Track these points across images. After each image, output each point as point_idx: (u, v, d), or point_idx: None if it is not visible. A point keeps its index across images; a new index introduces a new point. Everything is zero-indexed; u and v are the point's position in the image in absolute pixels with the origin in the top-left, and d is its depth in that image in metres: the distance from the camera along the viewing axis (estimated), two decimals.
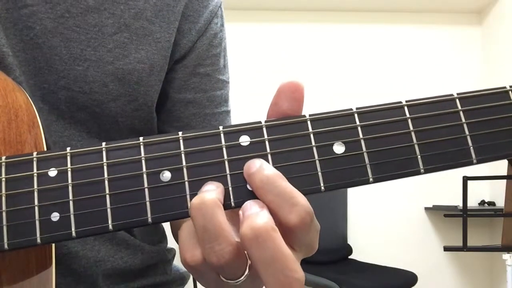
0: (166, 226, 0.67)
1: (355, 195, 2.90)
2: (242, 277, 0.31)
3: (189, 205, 0.33)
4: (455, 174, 2.11)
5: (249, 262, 0.31)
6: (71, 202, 0.33)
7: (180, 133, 0.34)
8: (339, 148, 0.34)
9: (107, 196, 0.33)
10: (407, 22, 3.11)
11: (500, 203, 2.46)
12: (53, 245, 0.38)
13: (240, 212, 0.31)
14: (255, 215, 0.30)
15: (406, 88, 2.97)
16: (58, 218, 0.33)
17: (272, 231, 0.29)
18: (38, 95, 0.52)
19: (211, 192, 0.31)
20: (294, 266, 0.29)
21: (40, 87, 0.52)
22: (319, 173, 0.33)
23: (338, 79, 3.04)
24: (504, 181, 1.65)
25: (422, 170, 0.34)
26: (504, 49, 2.87)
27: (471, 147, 0.34)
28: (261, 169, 0.31)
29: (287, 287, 0.29)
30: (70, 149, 0.34)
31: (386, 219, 2.97)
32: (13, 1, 0.51)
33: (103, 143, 0.35)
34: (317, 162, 0.33)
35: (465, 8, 3.07)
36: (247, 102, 2.58)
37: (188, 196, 0.33)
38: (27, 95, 0.43)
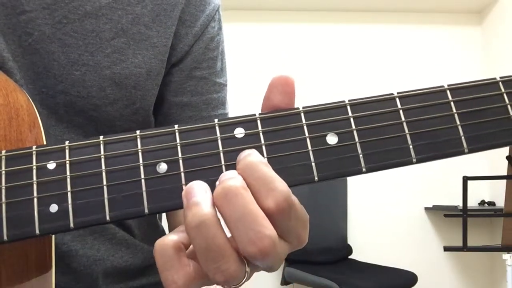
0: (166, 226, 0.68)
1: (355, 195, 2.90)
2: (244, 279, 0.32)
3: None
4: (455, 174, 2.11)
5: (247, 270, 0.32)
6: (69, 194, 0.34)
7: (176, 126, 0.35)
8: (332, 139, 0.34)
9: (105, 188, 0.34)
10: (407, 22, 3.12)
11: (500, 203, 2.46)
12: (53, 243, 0.39)
13: (217, 182, 0.32)
14: (229, 178, 0.31)
15: (405, 88, 2.96)
16: (56, 209, 0.33)
17: (242, 189, 0.30)
18: (37, 100, 0.52)
19: (205, 205, 0.31)
20: (263, 222, 0.30)
21: (39, 91, 0.53)
22: (313, 164, 0.34)
23: (337, 79, 3.05)
24: (504, 181, 1.66)
25: (414, 160, 0.34)
26: (504, 49, 2.87)
27: (463, 137, 0.35)
28: (247, 155, 0.32)
29: (258, 243, 0.30)
30: (69, 143, 0.35)
31: (386, 219, 2.97)
32: (12, 7, 0.51)
33: (101, 136, 0.35)
34: (311, 152, 0.34)
35: (465, 8, 3.08)
36: (247, 102, 2.58)
37: (184, 187, 0.33)
38: (28, 97, 0.43)
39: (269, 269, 0.33)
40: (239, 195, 0.30)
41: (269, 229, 0.30)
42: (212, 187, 0.33)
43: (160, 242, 0.32)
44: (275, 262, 0.32)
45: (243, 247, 0.30)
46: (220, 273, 0.30)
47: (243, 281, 0.32)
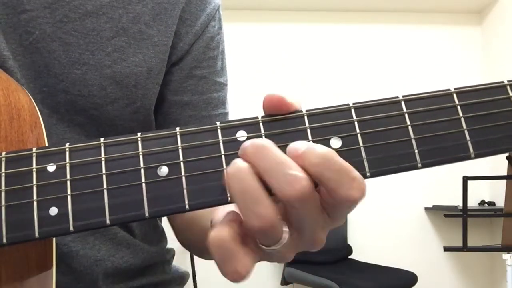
0: (166, 226, 0.67)
1: None
2: (282, 240, 0.32)
3: (186, 199, 0.33)
4: (455, 174, 2.11)
5: (286, 232, 0.32)
6: (69, 197, 0.33)
7: (177, 128, 0.35)
8: (336, 143, 0.34)
9: (105, 191, 0.33)
10: (407, 22, 3.12)
11: (500, 203, 2.46)
12: (54, 243, 0.38)
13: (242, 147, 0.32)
14: (255, 139, 0.32)
15: (406, 88, 2.96)
16: (56, 212, 0.33)
17: (269, 143, 0.32)
18: (38, 99, 0.52)
19: (242, 161, 0.32)
20: (295, 168, 0.31)
21: (40, 90, 0.53)
22: None
23: (337, 79, 3.05)
24: (504, 181, 1.66)
25: (419, 165, 0.34)
26: (504, 49, 2.87)
27: (469, 142, 0.34)
28: (313, 147, 0.32)
29: (296, 184, 0.30)
30: (69, 145, 0.35)
31: (386, 219, 2.98)
32: (13, 6, 0.51)
33: (102, 139, 0.35)
34: None
35: (465, 8, 3.08)
36: (247, 102, 2.58)
37: (185, 191, 0.33)
38: (30, 97, 0.43)
39: (312, 243, 0.34)
40: (271, 150, 0.31)
41: (299, 172, 0.31)
42: (214, 190, 0.33)
43: (217, 235, 0.32)
44: (315, 224, 0.32)
45: (281, 190, 0.31)
46: (257, 218, 0.30)
47: (281, 243, 0.32)
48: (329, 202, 0.32)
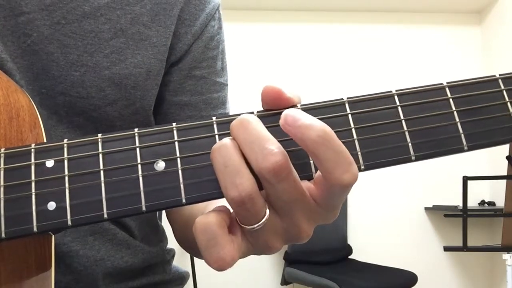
0: (166, 226, 0.68)
1: (355, 195, 2.90)
2: (263, 220, 0.33)
3: (182, 193, 0.33)
4: (455, 174, 2.11)
5: (267, 211, 0.33)
6: (67, 192, 0.34)
7: (174, 124, 0.35)
8: None
9: (102, 185, 0.34)
10: (407, 22, 3.12)
11: (500, 203, 2.46)
12: (53, 243, 0.39)
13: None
14: (244, 114, 0.34)
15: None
16: (54, 207, 0.33)
17: (253, 119, 0.33)
18: (37, 100, 0.52)
19: (227, 138, 0.33)
20: (272, 143, 0.32)
21: (38, 92, 0.53)
22: (311, 161, 0.34)
23: (337, 79, 3.05)
24: (504, 181, 1.65)
25: (413, 158, 0.34)
26: (504, 49, 2.87)
27: (462, 134, 0.34)
28: (314, 122, 0.32)
29: (266, 158, 0.31)
30: (67, 141, 0.35)
31: (386, 219, 2.98)
32: (10, 9, 0.51)
33: (99, 134, 0.35)
34: None
35: (465, 8, 3.08)
36: (246, 102, 2.59)
37: (181, 185, 0.34)
38: (30, 98, 0.43)
39: (296, 233, 0.34)
40: (252, 124, 0.33)
41: (275, 147, 0.32)
42: (211, 184, 0.33)
43: (202, 220, 0.32)
44: (294, 206, 0.33)
45: (256, 163, 0.31)
46: (235, 188, 0.31)
47: (262, 222, 0.33)
48: (320, 186, 0.33)
